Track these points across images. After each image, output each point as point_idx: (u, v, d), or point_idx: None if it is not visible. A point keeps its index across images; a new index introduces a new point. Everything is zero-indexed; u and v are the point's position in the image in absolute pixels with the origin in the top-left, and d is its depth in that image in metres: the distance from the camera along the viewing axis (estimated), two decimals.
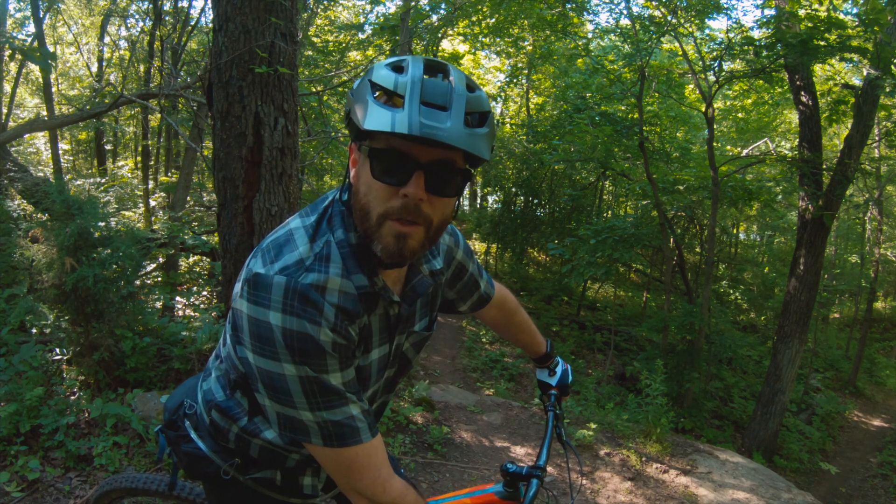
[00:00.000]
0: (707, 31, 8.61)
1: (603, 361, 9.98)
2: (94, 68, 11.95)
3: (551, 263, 15.15)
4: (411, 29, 8.65)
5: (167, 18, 8.67)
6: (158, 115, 9.15)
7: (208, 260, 6.91)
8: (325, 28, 11.65)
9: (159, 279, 6.51)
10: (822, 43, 6.14)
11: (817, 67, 8.79)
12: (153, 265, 6.57)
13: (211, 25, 3.39)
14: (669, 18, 7.72)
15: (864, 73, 7.10)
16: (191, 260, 7.58)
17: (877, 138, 10.08)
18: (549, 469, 1.34)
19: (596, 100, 9.49)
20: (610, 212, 15.81)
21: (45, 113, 8.29)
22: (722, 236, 14.52)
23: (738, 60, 8.59)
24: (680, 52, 8.90)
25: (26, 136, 10.32)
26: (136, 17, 10.38)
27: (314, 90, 6.42)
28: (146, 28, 9.34)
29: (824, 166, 7.36)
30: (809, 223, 7.19)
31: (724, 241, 15.35)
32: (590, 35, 11.50)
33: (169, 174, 11.74)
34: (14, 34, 9.78)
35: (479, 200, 19.89)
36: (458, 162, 0.89)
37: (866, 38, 6.12)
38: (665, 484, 3.70)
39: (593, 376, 8.90)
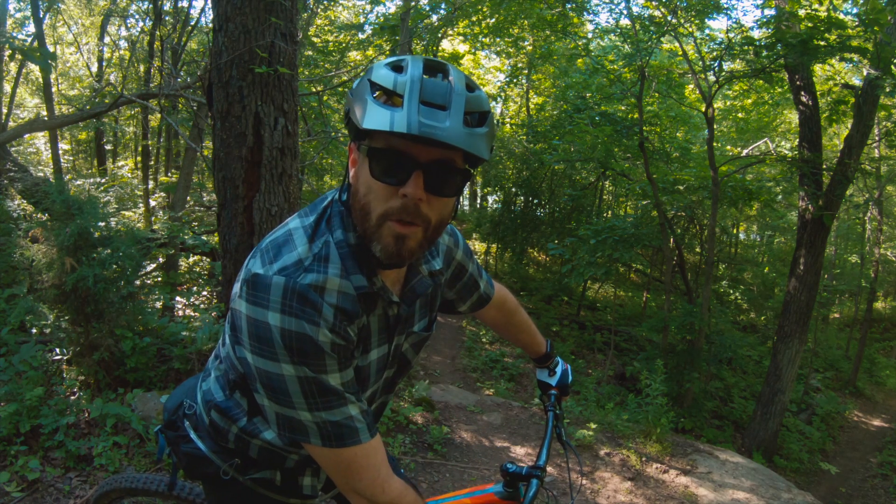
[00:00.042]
0: (707, 31, 8.61)
1: (603, 361, 9.98)
2: (94, 68, 11.95)
3: (551, 263, 15.15)
4: (411, 29, 8.65)
5: (167, 18, 8.67)
6: (158, 115, 9.15)
7: (208, 260, 6.91)
8: (325, 28, 11.65)
9: (159, 279, 6.50)
10: (822, 43, 6.14)
11: (817, 67, 8.79)
12: (153, 265, 6.57)
13: (211, 25, 3.40)
14: (669, 18, 7.72)
15: (864, 73, 7.10)
16: (191, 260, 7.58)
17: (877, 138, 10.08)
18: (549, 469, 1.34)
19: (596, 100, 9.49)
20: (610, 212, 15.81)
21: (45, 113, 8.29)
22: (722, 236, 14.52)
23: (738, 60, 8.59)
24: (680, 52, 8.90)
25: (26, 136, 10.33)
26: (136, 17, 10.40)
27: (314, 90, 6.42)
28: (146, 28, 9.34)
29: (824, 166, 7.36)
30: (809, 223, 7.19)
31: (724, 241, 15.36)
32: (590, 35, 11.52)
33: (169, 174, 11.74)
34: (14, 34, 9.78)
35: (479, 200, 19.90)
36: (457, 162, 0.89)
37: (866, 38, 6.12)
38: (665, 484, 3.70)
39: (593, 376, 8.90)
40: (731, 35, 7.69)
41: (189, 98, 5.24)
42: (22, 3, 10.14)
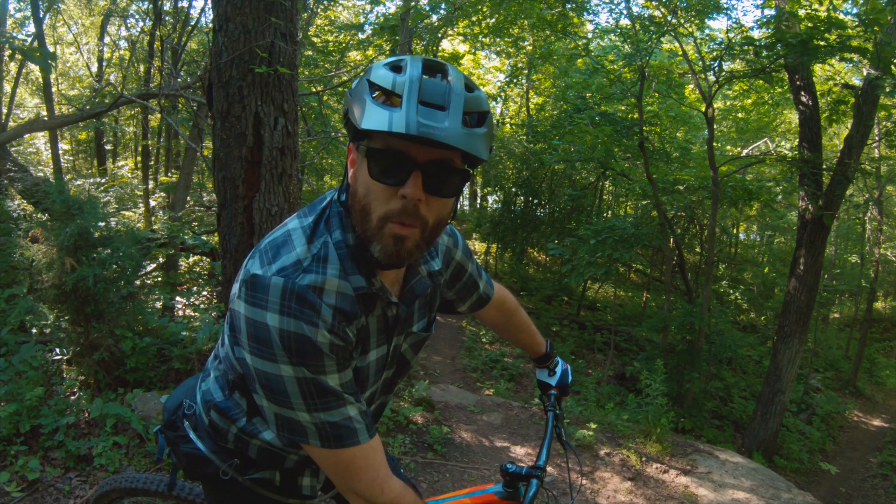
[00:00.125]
0: (707, 31, 8.61)
1: (603, 361, 9.98)
2: (94, 68, 11.95)
3: (551, 263, 15.15)
4: (411, 29, 8.65)
5: (167, 18, 8.67)
6: (158, 115, 9.15)
7: (208, 260, 6.92)
8: (325, 28, 11.65)
9: (159, 279, 6.51)
10: (822, 43, 6.14)
11: (817, 67, 8.79)
12: (153, 265, 6.58)
13: (211, 25, 3.39)
14: (669, 18, 7.72)
15: (864, 73, 7.10)
16: (191, 260, 7.58)
17: (877, 138, 10.08)
18: (549, 469, 1.34)
19: (596, 100, 9.49)
20: (610, 212, 15.81)
21: (45, 113, 8.29)
22: (722, 236, 14.52)
23: (738, 60, 8.59)
24: (680, 52, 8.90)
25: (26, 136, 10.33)
26: (136, 17, 10.40)
27: (314, 90, 6.42)
28: (146, 28, 9.34)
29: (824, 166, 7.36)
30: (809, 223, 7.19)
31: (724, 241, 15.36)
32: (590, 35, 11.51)
33: (169, 174, 11.74)
34: (14, 34, 9.78)
35: (479, 200, 19.90)
36: (456, 162, 0.88)
37: (866, 38, 6.12)
38: (665, 484, 3.70)
39: (593, 376, 8.90)
40: (731, 35, 7.70)
41: (189, 98, 5.24)
42: (22, 3, 10.15)
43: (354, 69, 8.73)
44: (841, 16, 7.37)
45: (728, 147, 14.05)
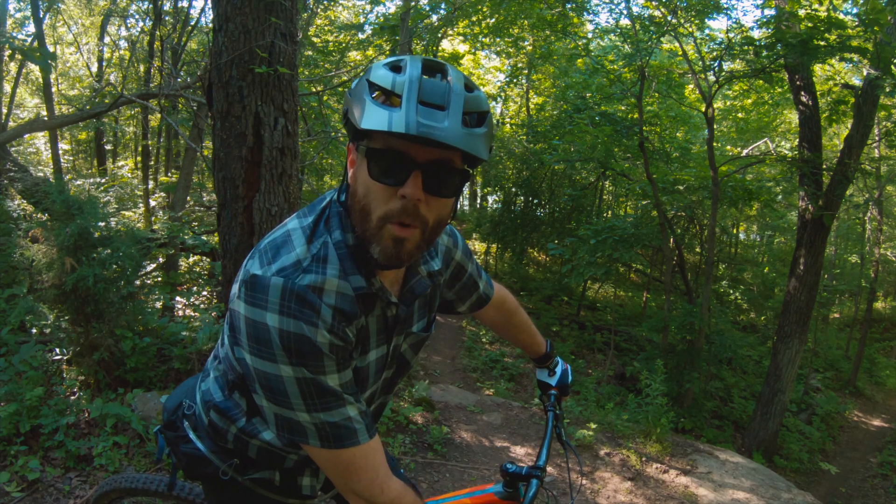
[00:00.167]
0: (707, 31, 8.61)
1: (603, 361, 9.98)
2: (94, 68, 11.95)
3: (551, 263, 15.15)
4: (411, 29, 8.65)
5: (167, 18, 8.67)
6: (158, 115, 9.15)
7: (208, 260, 6.92)
8: (325, 28, 11.65)
9: (159, 279, 6.51)
10: (822, 43, 6.14)
11: (817, 67, 8.79)
12: (153, 265, 6.58)
13: (211, 25, 3.39)
14: (669, 18, 7.72)
15: (864, 73, 7.10)
16: (191, 260, 7.58)
17: (877, 138, 10.08)
18: (549, 469, 1.34)
19: (596, 100, 9.49)
20: (610, 212, 15.82)
21: (45, 113, 8.29)
22: (722, 236, 14.52)
23: (738, 60, 8.59)
24: (680, 52, 8.90)
25: (26, 136, 10.33)
26: (136, 17, 10.40)
27: (314, 90, 6.42)
28: (146, 28, 9.34)
29: (824, 166, 7.36)
30: (809, 223, 7.19)
31: (724, 241, 15.36)
32: (590, 35, 11.52)
33: (169, 174, 11.75)
34: (14, 34, 9.78)
35: (479, 200, 19.90)
36: (455, 162, 0.88)
37: (866, 38, 6.12)
38: (665, 484, 3.70)
39: (593, 376, 8.90)
40: (731, 35, 7.70)
41: (189, 98, 5.24)
42: (22, 3, 10.15)
43: (354, 69, 8.74)
44: (841, 16, 7.37)
45: (728, 147, 14.05)
